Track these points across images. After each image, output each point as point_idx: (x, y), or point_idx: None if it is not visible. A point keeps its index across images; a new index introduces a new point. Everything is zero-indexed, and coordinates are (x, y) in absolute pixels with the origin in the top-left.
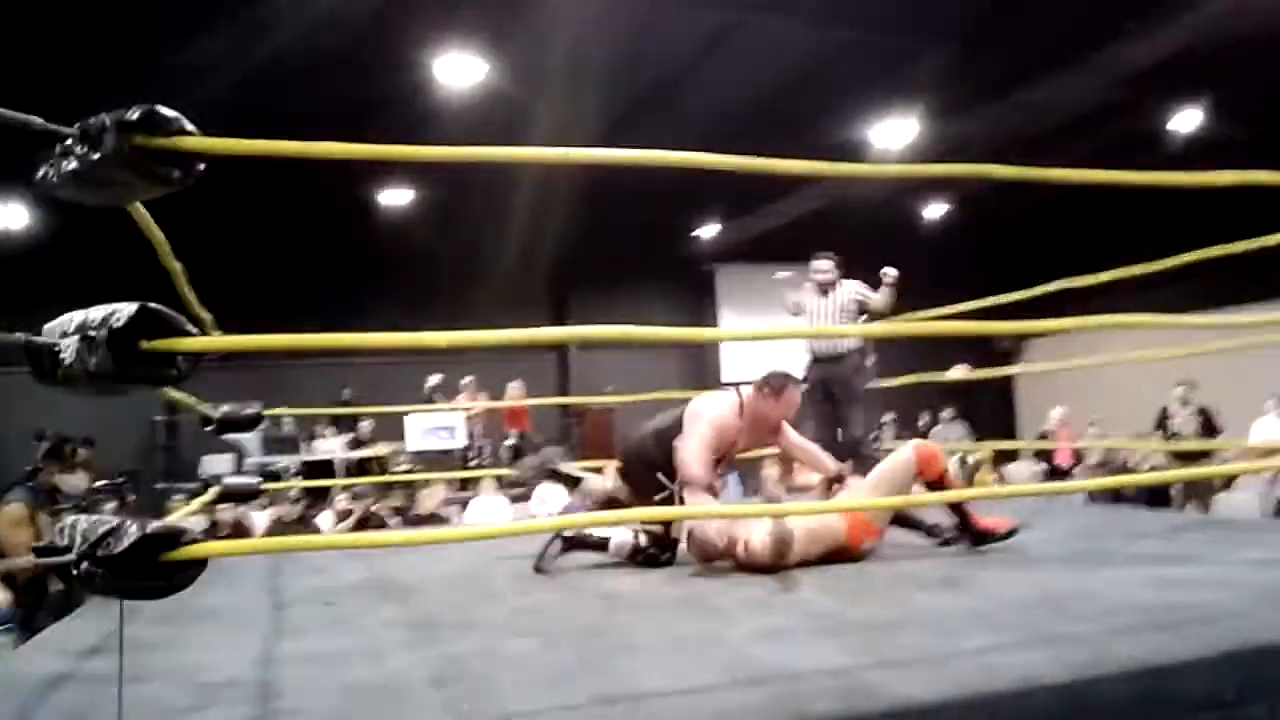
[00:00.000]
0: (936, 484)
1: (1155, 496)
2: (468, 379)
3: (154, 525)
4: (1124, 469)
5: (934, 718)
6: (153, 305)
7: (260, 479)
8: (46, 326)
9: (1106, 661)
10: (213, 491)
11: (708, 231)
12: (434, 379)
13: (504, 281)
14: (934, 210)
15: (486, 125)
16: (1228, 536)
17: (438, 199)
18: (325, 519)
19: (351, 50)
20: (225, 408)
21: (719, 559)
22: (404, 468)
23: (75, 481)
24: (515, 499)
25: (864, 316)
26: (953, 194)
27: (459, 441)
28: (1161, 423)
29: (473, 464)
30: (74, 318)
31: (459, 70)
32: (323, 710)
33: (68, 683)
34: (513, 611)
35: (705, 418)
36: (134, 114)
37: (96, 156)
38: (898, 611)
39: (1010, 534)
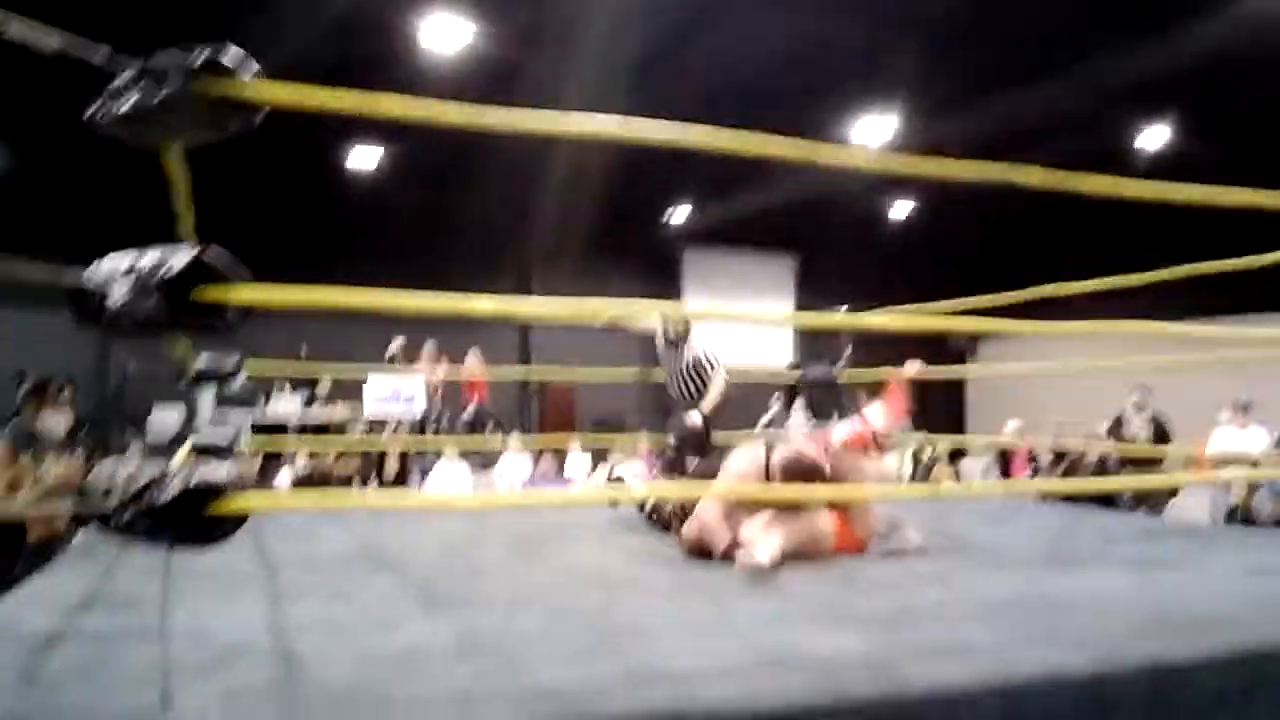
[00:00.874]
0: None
1: (1105, 499)
2: (429, 344)
3: (198, 477)
4: (1074, 469)
5: (969, 706)
6: (208, 255)
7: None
8: (90, 269)
9: (1122, 659)
10: (187, 446)
11: (679, 215)
12: (395, 344)
13: (469, 250)
14: (900, 209)
15: (469, 91)
16: (1198, 543)
17: (407, 162)
18: (283, 477)
19: (336, 10)
20: (204, 359)
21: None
22: (360, 431)
23: (55, 423)
24: (476, 466)
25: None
26: (920, 195)
27: (418, 410)
28: (1115, 429)
29: (430, 432)
30: (121, 261)
31: (445, 32)
32: (345, 678)
33: (68, 640)
34: (513, 589)
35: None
36: (200, 57)
37: (157, 99)
38: (898, 605)
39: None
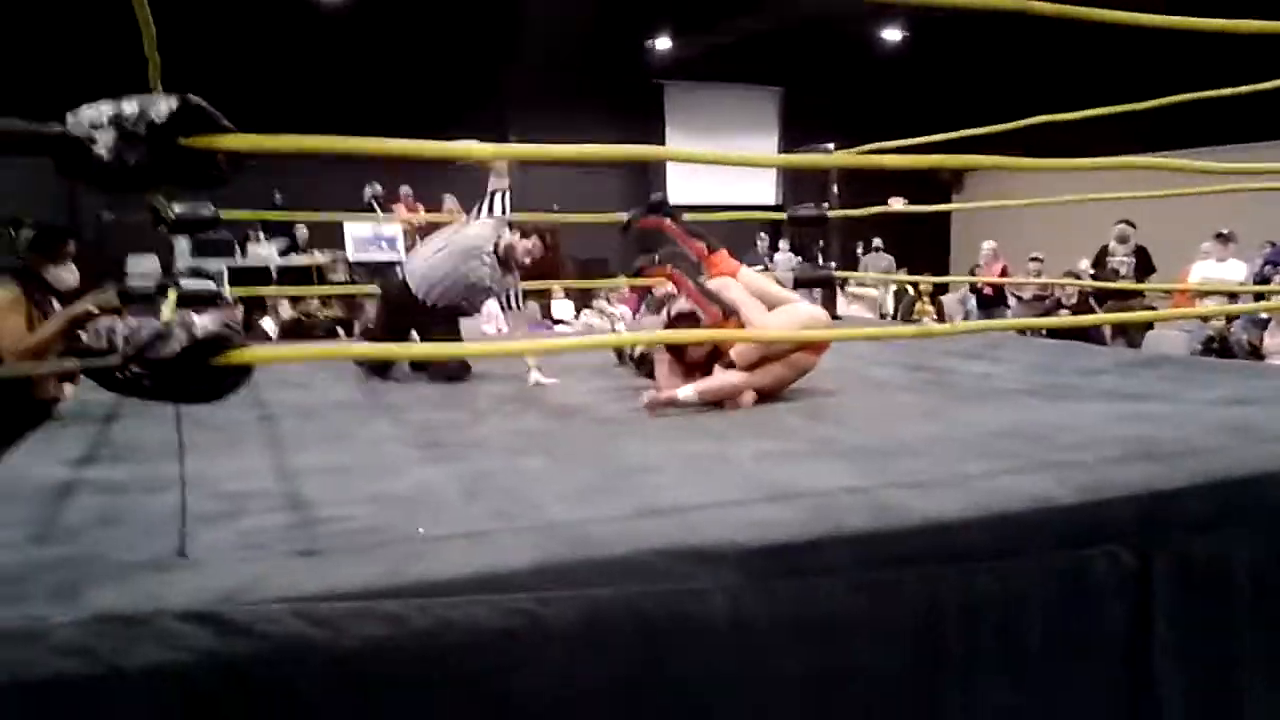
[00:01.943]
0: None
1: (1084, 330)
2: (405, 189)
3: (202, 329)
4: (1058, 303)
5: (962, 533)
6: (193, 99)
7: (217, 284)
8: (72, 117)
9: (1109, 486)
10: (173, 295)
11: (659, 44)
12: (372, 188)
13: (442, 89)
14: (890, 36)
15: None
16: (1179, 375)
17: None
18: (269, 324)
19: None
20: (180, 207)
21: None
22: (341, 276)
23: (66, 276)
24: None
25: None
26: (911, 23)
27: (400, 254)
28: (1100, 260)
29: None
30: (104, 109)
31: None
32: (363, 517)
33: (79, 492)
34: (512, 432)
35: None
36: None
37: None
38: (890, 440)
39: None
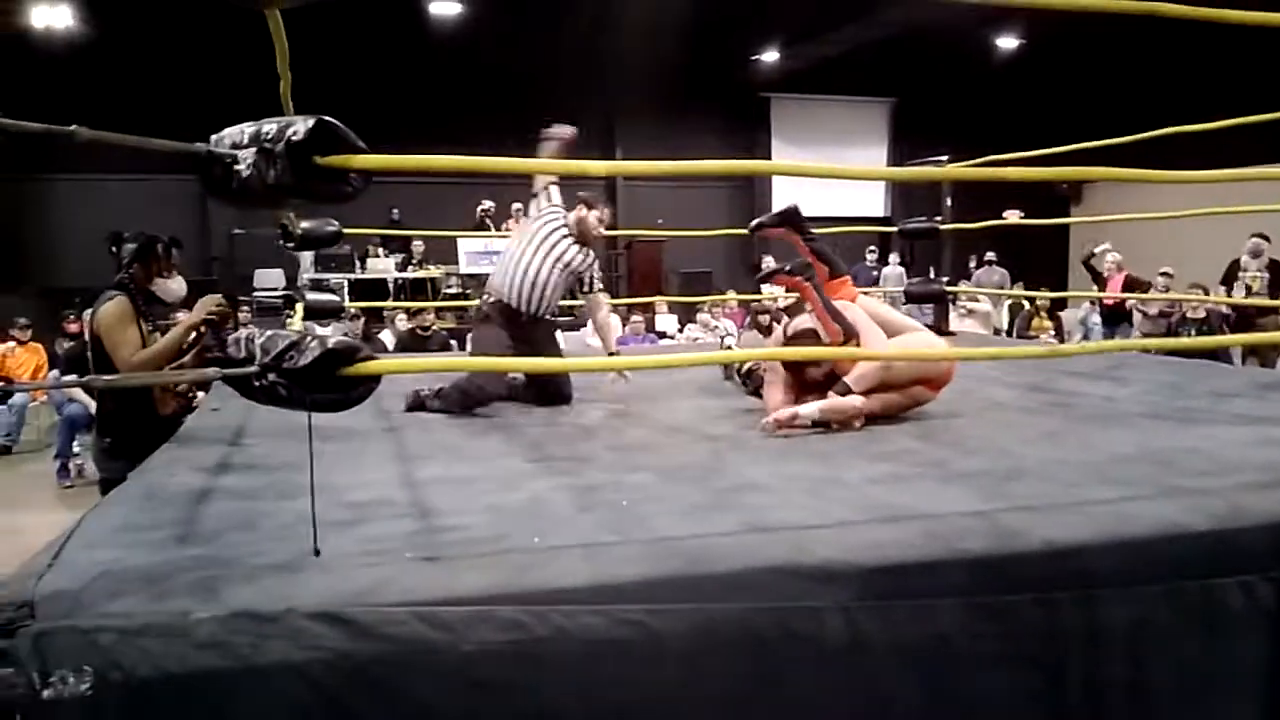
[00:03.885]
0: None
1: (1214, 351)
2: (517, 205)
3: (334, 341)
4: (1184, 319)
5: (1081, 558)
6: (328, 120)
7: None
8: (215, 137)
9: (1243, 515)
10: (300, 308)
11: (766, 57)
12: (485, 204)
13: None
14: (1005, 44)
15: None
16: None
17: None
18: (386, 336)
19: None
20: (305, 224)
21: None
22: (454, 289)
23: (173, 287)
24: (566, 328)
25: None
26: (1028, 31)
27: None
28: (1231, 275)
29: None
30: (245, 130)
31: None
32: (483, 525)
33: (214, 498)
34: (619, 448)
35: None
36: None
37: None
38: (1008, 463)
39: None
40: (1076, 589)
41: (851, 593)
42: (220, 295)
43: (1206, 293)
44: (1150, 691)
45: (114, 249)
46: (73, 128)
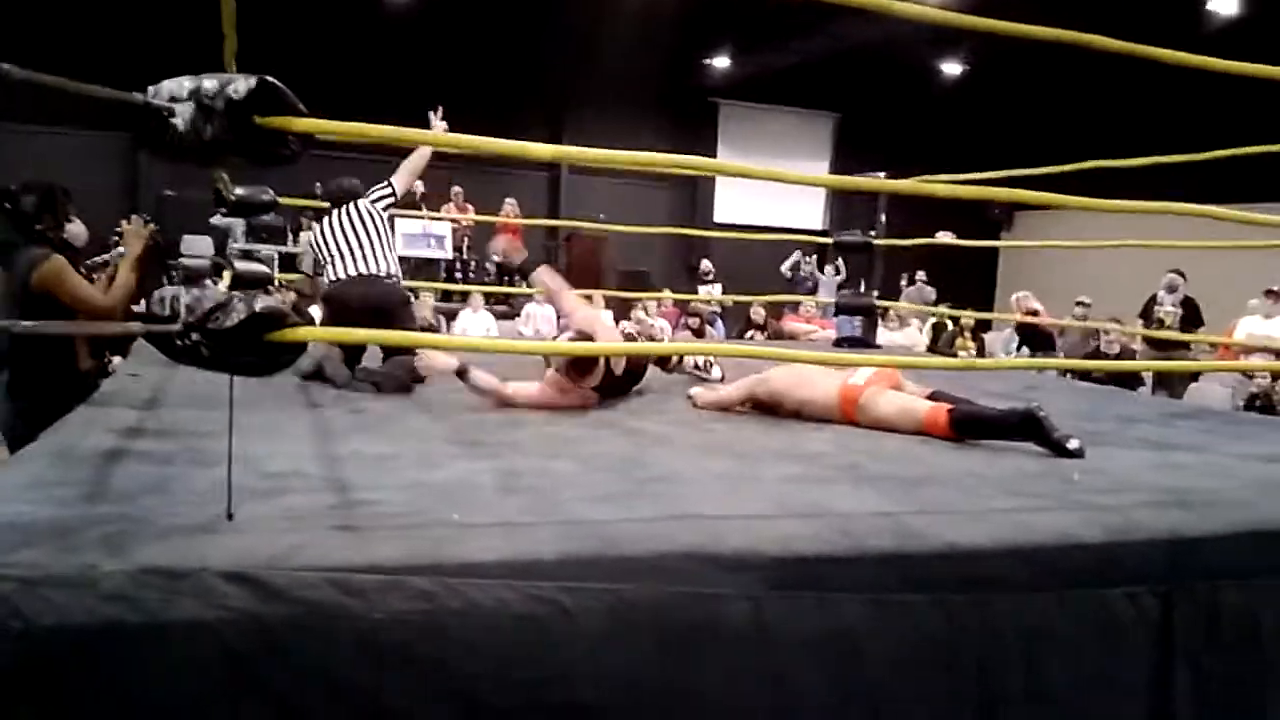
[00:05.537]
0: None
1: (1126, 379)
2: (456, 189)
3: (261, 304)
4: (1097, 351)
5: (980, 563)
6: (271, 80)
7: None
8: (153, 89)
9: (1137, 530)
10: (228, 275)
11: (717, 62)
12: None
13: (498, 94)
14: (949, 69)
15: None
16: (1218, 428)
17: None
18: (315, 311)
19: None
20: (241, 190)
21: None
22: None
23: (78, 230)
24: (500, 316)
25: None
26: (973, 56)
27: (447, 252)
28: (1148, 309)
29: (458, 277)
30: (185, 84)
31: None
32: (400, 502)
33: (128, 460)
34: (544, 437)
35: None
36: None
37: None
38: (918, 470)
39: None
40: (975, 591)
41: (760, 582)
42: (138, 217)
43: (1121, 324)
44: (1043, 695)
45: (8, 204)
46: (5, 67)
